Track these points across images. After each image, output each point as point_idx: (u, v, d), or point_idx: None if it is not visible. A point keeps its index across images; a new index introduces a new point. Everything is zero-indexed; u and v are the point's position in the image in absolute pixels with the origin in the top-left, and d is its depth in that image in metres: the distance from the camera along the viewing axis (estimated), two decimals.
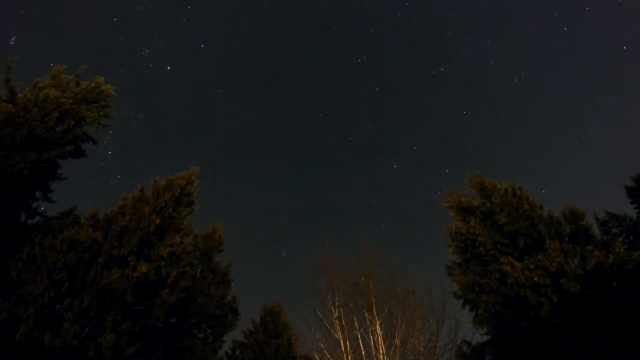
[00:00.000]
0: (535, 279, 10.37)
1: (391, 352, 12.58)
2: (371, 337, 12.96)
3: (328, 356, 13.05)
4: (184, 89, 44.66)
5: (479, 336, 11.48)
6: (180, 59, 42.85)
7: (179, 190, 12.76)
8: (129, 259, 10.61)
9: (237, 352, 16.19)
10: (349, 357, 12.96)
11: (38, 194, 11.24)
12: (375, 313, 13.20)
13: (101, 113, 12.48)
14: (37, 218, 11.01)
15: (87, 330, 9.15)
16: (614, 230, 11.22)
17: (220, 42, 45.80)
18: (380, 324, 12.99)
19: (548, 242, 10.89)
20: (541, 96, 42.69)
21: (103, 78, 12.84)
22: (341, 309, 13.71)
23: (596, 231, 11.39)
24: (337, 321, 13.56)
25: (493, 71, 43.51)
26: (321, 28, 46.82)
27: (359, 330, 13.25)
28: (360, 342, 13.10)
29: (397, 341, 12.54)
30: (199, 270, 13.16)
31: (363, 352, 12.93)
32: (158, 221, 11.60)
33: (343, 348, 13.11)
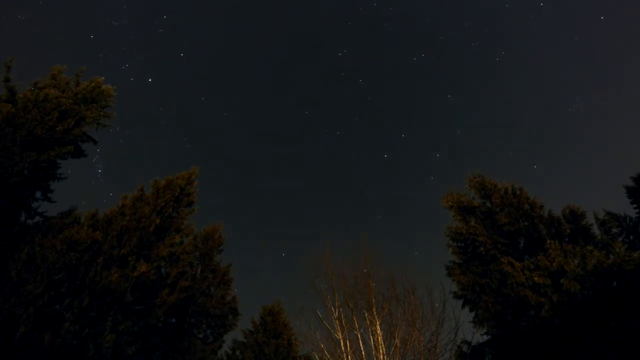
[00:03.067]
0: (535, 279, 10.36)
1: (391, 352, 12.57)
2: (371, 337, 12.95)
3: (328, 356, 13.04)
4: (168, 99, 44.45)
5: (479, 336, 11.49)
6: (161, 70, 42.58)
7: (179, 190, 12.78)
8: (129, 259, 10.62)
9: (237, 352, 16.19)
10: (349, 357, 12.95)
11: (38, 194, 11.25)
12: (375, 313, 13.19)
13: (101, 113, 12.49)
14: (37, 218, 11.02)
15: (87, 330, 9.15)
16: (614, 230, 11.22)
17: (199, 49, 45.66)
18: (380, 324, 12.99)
19: (548, 242, 10.89)
20: (524, 74, 42.95)
21: (103, 78, 12.86)
22: (341, 309, 13.70)
23: (596, 231, 11.40)
24: (337, 321, 13.54)
25: (473, 52, 43.74)
26: (298, 26, 46.82)
27: (359, 330, 13.24)
28: (360, 342, 13.10)
29: (397, 341, 12.53)
30: (199, 270, 13.16)
31: (363, 352, 12.92)
32: (158, 221, 11.61)
33: (343, 348, 13.10)
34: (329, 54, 48.52)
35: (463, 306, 11.87)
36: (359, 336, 13.17)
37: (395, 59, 46.87)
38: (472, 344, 11.41)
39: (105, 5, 40.58)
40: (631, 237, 11.21)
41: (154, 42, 42.30)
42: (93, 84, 12.60)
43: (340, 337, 13.32)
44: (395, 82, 47.50)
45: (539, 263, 10.59)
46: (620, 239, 11.06)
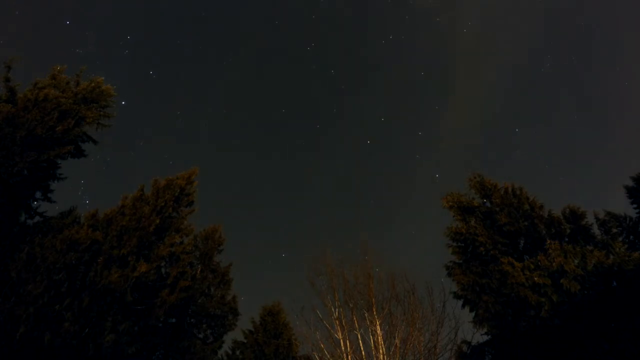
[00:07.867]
0: (535, 279, 10.36)
1: (391, 352, 12.56)
2: (371, 337, 12.94)
3: (328, 356, 13.03)
4: (144, 119, 44.28)
5: (479, 336, 11.49)
6: (133, 91, 42.36)
7: (179, 190, 12.77)
8: (129, 259, 10.61)
9: (237, 352, 16.19)
10: (349, 357, 12.94)
11: (38, 194, 11.26)
12: (375, 313, 13.18)
13: (101, 113, 12.49)
14: (37, 218, 11.03)
15: (87, 330, 9.15)
16: (614, 230, 11.21)
17: (168, 64, 45.66)
18: (380, 324, 12.98)
19: (548, 242, 10.88)
20: (498, 46, 42.94)
21: (103, 78, 12.87)
22: (341, 309, 13.69)
23: (596, 231, 11.39)
24: (337, 321, 13.53)
25: (442, 26, 43.76)
26: (265, 26, 47.00)
27: (359, 330, 13.23)
28: (360, 342, 13.09)
29: (397, 341, 12.52)
30: (199, 270, 13.16)
31: (363, 352, 12.91)
32: (158, 221, 11.61)
33: (343, 348, 13.09)
34: (298, 49, 48.72)
35: (463, 306, 11.86)
36: (359, 336, 13.16)
37: (364, 45, 46.93)
38: (472, 344, 11.41)
39: (68, 36, 40.54)
40: (631, 237, 11.21)
41: (121, 64, 42.23)
42: (93, 84, 12.60)
43: (340, 337, 13.31)
44: (368, 67, 47.56)
45: (539, 263, 10.58)
46: (620, 239, 11.05)
